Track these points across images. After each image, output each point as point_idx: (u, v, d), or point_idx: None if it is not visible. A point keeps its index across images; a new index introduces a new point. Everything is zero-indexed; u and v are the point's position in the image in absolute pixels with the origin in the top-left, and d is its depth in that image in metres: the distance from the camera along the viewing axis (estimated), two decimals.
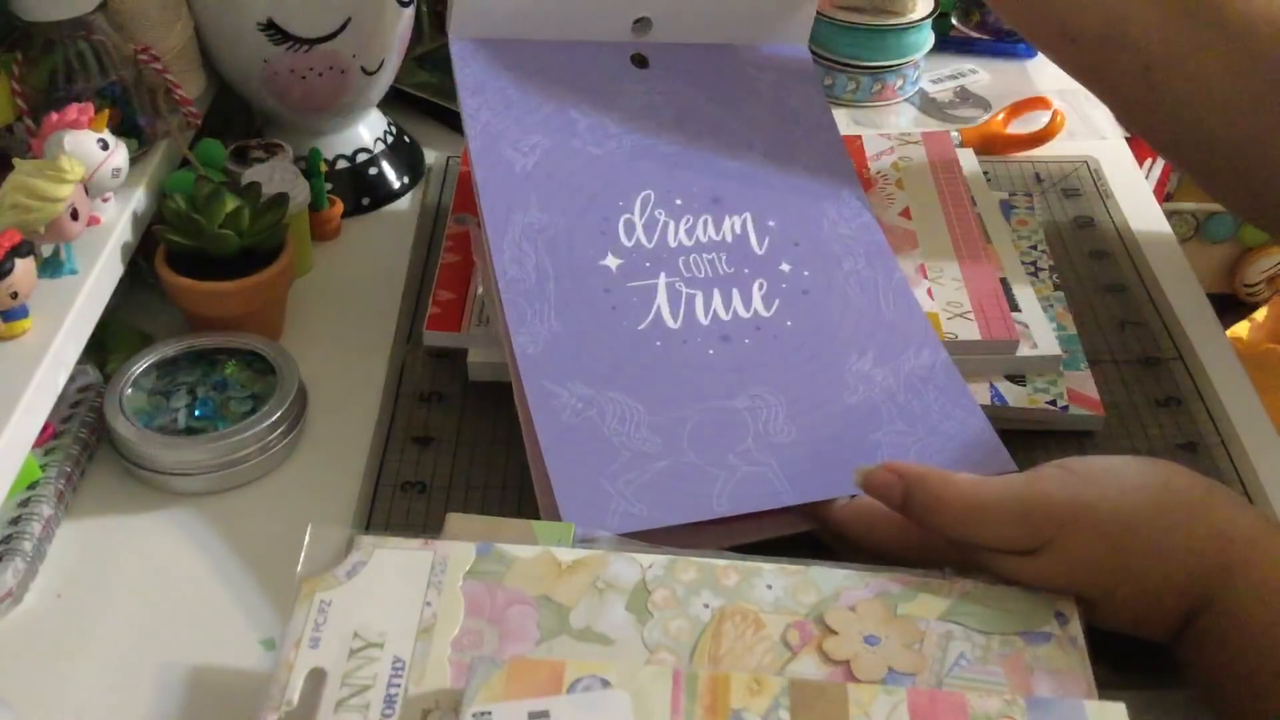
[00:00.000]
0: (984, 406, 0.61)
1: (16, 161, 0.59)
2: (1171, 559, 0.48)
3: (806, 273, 0.64)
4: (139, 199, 0.67)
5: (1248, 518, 0.49)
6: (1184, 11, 0.61)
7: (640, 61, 0.71)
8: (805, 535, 0.56)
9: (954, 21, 1.02)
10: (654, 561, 0.49)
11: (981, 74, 0.97)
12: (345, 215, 0.79)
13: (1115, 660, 0.49)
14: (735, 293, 0.63)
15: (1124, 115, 0.70)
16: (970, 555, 0.50)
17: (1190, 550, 0.48)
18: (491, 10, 0.67)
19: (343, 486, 0.61)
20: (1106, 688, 0.45)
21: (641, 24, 0.71)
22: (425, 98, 0.92)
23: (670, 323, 0.61)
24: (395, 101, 0.88)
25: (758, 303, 0.63)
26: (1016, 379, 0.64)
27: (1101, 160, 0.86)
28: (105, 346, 0.66)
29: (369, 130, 0.82)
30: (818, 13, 0.91)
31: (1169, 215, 0.83)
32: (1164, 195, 1.51)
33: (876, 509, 0.53)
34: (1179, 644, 0.49)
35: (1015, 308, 0.66)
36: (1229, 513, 0.49)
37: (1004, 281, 0.67)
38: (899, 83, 0.93)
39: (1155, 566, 0.48)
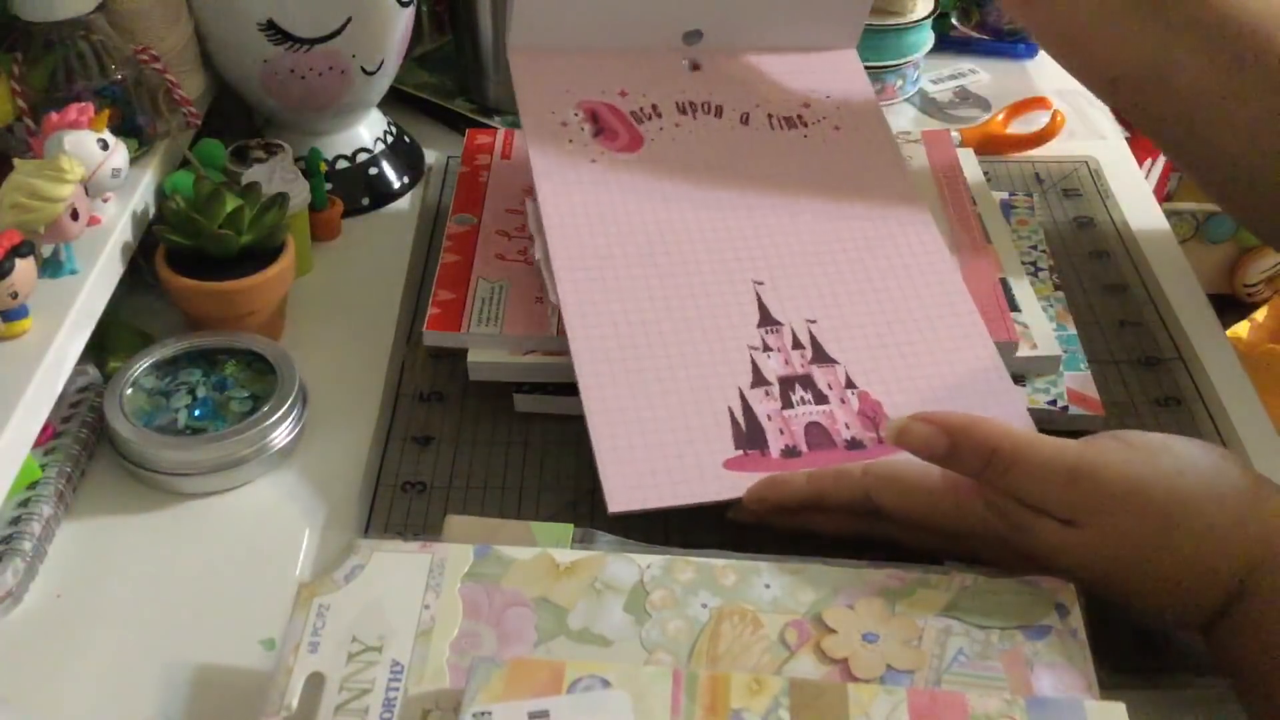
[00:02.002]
0: None
1: (16, 161, 0.59)
2: (1218, 545, 0.47)
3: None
4: (139, 199, 0.67)
5: None
6: (1231, 63, 0.61)
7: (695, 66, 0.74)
8: (805, 534, 0.56)
9: (954, 21, 1.02)
10: (652, 562, 0.49)
11: (981, 74, 0.97)
12: (345, 215, 0.79)
13: (1115, 660, 0.49)
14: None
15: (1168, 154, 0.71)
16: (1012, 523, 0.49)
17: (1236, 538, 0.47)
18: (547, 23, 0.70)
19: (343, 486, 0.61)
20: (1106, 688, 0.45)
21: (692, 34, 0.73)
22: (425, 98, 0.92)
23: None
24: (395, 101, 0.88)
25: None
26: (1016, 379, 0.64)
27: (1101, 160, 0.86)
28: (105, 346, 0.66)
29: (369, 130, 0.82)
30: None
31: (1169, 215, 0.83)
32: (1164, 195, 1.51)
33: (907, 475, 0.52)
34: (1213, 631, 0.49)
35: (1015, 308, 0.66)
36: (1276, 504, 0.49)
37: (1004, 281, 0.67)
38: (899, 83, 0.93)
39: (1200, 551, 0.47)
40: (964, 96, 0.95)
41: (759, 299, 0.63)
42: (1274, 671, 0.47)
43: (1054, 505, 0.48)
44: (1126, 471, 0.48)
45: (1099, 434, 0.50)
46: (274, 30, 0.71)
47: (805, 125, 0.73)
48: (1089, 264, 0.76)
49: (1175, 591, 0.48)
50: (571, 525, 0.53)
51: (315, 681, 0.45)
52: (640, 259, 0.64)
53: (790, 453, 0.57)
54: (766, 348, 0.61)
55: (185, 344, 0.65)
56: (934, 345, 0.62)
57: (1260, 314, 1.29)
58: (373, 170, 0.82)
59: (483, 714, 0.42)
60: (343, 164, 0.81)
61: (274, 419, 0.61)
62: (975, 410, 0.56)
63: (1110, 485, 0.47)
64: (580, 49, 0.72)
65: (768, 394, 0.59)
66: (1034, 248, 0.73)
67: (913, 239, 0.67)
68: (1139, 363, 0.68)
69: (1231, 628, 0.48)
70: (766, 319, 0.62)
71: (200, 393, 0.63)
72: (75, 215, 0.59)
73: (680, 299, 0.62)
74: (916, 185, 0.74)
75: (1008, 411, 0.60)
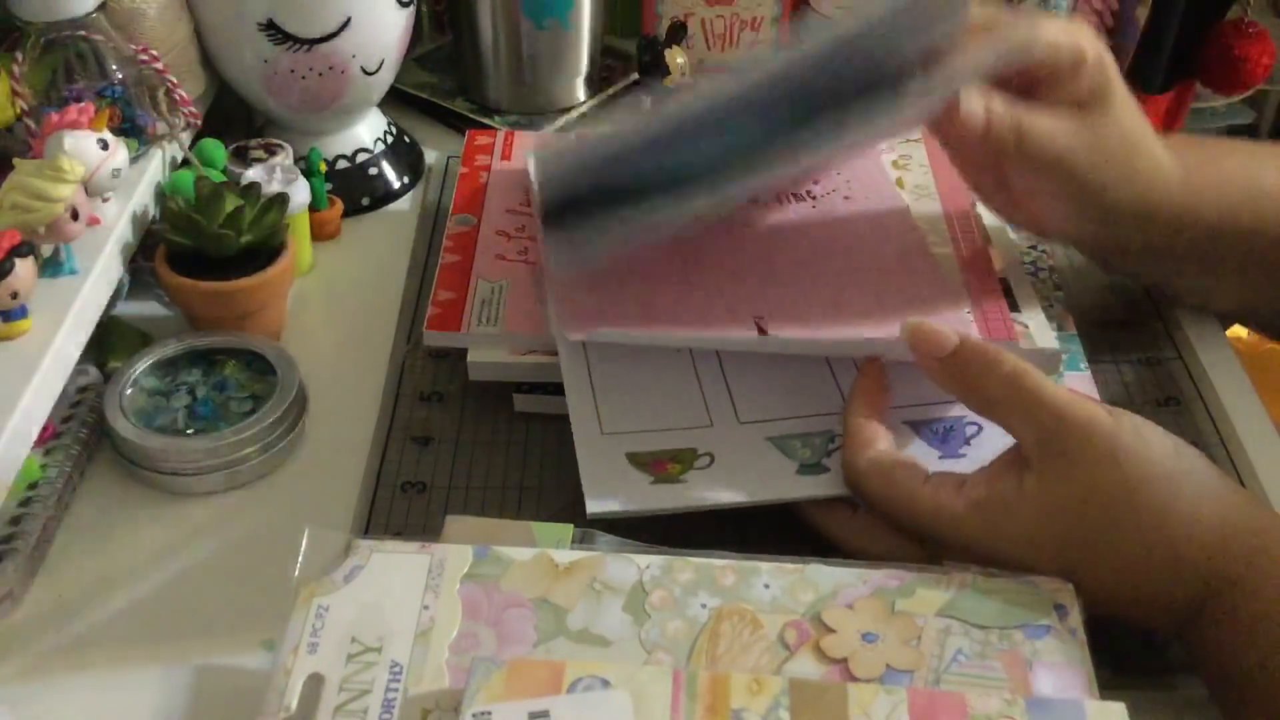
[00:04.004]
0: None
1: (16, 161, 0.59)
2: (1181, 529, 0.48)
3: None
4: (139, 199, 0.67)
5: (1265, 510, 0.50)
6: None
7: None
8: (804, 535, 0.56)
9: None
10: (651, 562, 0.49)
11: None
12: (345, 215, 0.79)
13: (1115, 660, 0.49)
14: None
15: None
16: (973, 480, 0.51)
17: (1207, 527, 0.48)
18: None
19: (343, 487, 0.61)
20: (1106, 688, 0.45)
21: None
22: (425, 98, 0.92)
23: None
24: (395, 101, 0.88)
25: None
26: None
27: None
28: (105, 346, 0.66)
29: (369, 130, 0.82)
30: (817, 13, 0.91)
31: None
32: None
33: (896, 465, 0.53)
34: (1189, 631, 0.49)
35: (1015, 308, 0.66)
36: (1241, 500, 0.49)
37: (1004, 281, 0.67)
38: None
39: (1162, 529, 0.48)
40: None
41: (758, 327, 0.62)
42: (1250, 670, 0.47)
43: (1030, 420, 0.50)
44: (1110, 423, 0.49)
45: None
46: (274, 30, 0.71)
47: (813, 198, 0.72)
48: (1089, 264, 0.75)
49: (1148, 577, 0.48)
50: (571, 525, 0.53)
51: (314, 682, 0.45)
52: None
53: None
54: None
55: (185, 344, 0.65)
56: None
57: None
58: (373, 170, 0.82)
59: (483, 714, 0.42)
60: (343, 164, 0.81)
61: (274, 419, 0.61)
62: None
63: (1087, 419, 0.49)
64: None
65: None
66: (1034, 248, 0.73)
67: (922, 286, 0.66)
68: (1139, 363, 0.68)
69: (1207, 625, 0.48)
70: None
71: (200, 393, 0.63)
72: (75, 215, 0.59)
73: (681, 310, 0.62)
74: (916, 183, 0.74)
75: None
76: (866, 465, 0.54)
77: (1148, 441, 0.49)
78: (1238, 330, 1.23)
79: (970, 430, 0.59)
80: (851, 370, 0.61)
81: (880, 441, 0.55)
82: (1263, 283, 0.65)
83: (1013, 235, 0.73)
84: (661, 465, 0.57)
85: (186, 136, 0.72)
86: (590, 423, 0.58)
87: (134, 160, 0.67)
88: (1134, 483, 0.48)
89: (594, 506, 0.55)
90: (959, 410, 0.59)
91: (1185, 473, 0.49)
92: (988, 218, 0.72)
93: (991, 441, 0.57)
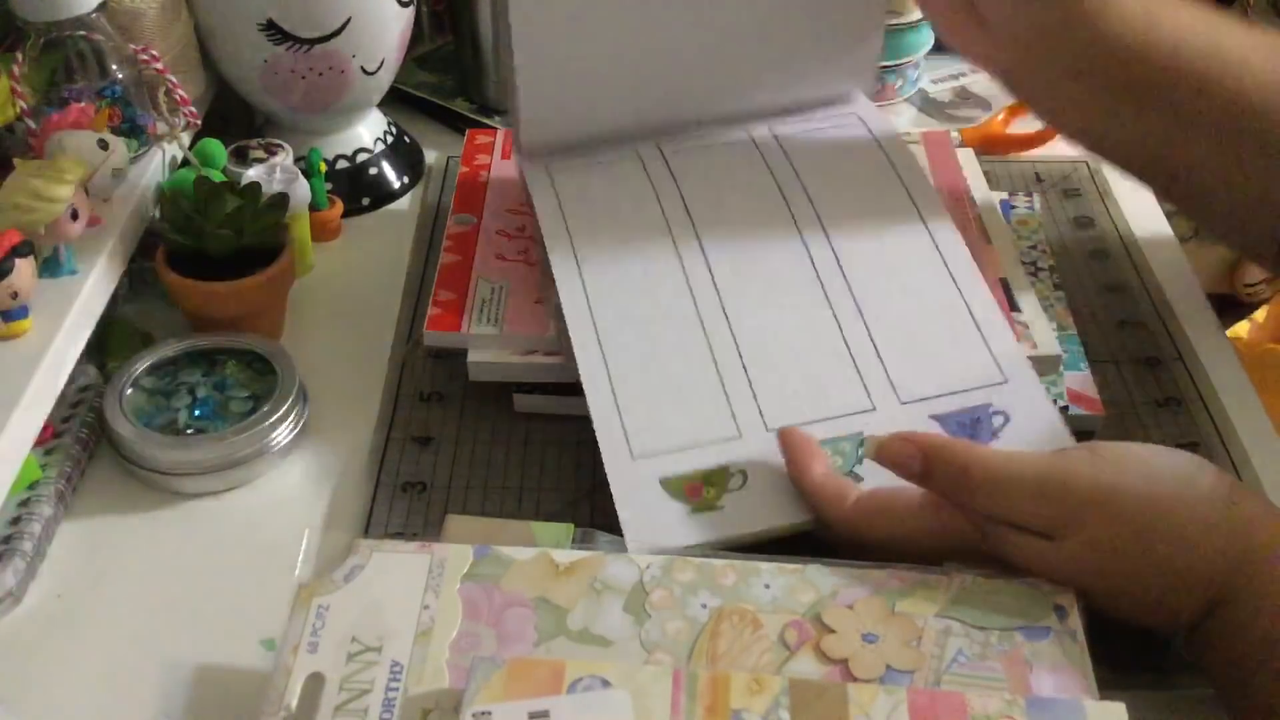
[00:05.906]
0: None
1: (17, 161, 0.59)
2: (1195, 548, 0.47)
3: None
4: (139, 199, 0.67)
5: (1272, 512, 0.49)
6: (1234, 150, 0.60)
7: None
8: (805, 535, 0.56)
9: None
10: (651, 562, 0.49)
11: (981, 73, 0.97)
12: (345, 215, 0.79)
13: (1115, 660, 0.49)
14: None
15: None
16: (993, 541, 0.50)
17: (1214, 541, 0.47)
18: (556, 119, 0.68)
19: (343, 486, 0.61)
20: (1106, 688, 0.45)
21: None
22: (425, 98, 0.92)
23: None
24: (395, 101, 0.88)
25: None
26: None
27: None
28: (105, 346, 0.66)
29: (369, 130, 0.82)
30: None
31: (1169, 215, 0.83)
32: None
33: (894, 501, 0.52)
34: (1196, 636, 0.49)
35: (1015, 308, 0.66)
36: (1252, 506, 0.49)
37: (1004, 281, 0.67)
38: (899, 83, 0.93)
39: (1178, 555, 0.47)
40: (964, 96, 0.95)
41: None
42: (1256, 674, 0.47)
43: (1027, 519, 0.49)
44: (1097, 480, 0.48)
45: (1069, 447, 0.51)
46: (274, 30, 0.72)
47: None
48: (1089, 264, 0.76)
49: (1155, 598, 0.48)
50: (571, 525, 0.53)
51: (315, 682, 0.45)
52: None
53: None
54: None
55: (185, 344, 0.65)
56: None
57: (1260, 314, 1.29)
58: (373, 170, 0.82)
59: (483, 714, 0.42)
60: (343, 164, 0.81)
61: (274, 419, 0.61)
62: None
63: (1079, 494, 0.48)
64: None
65: None
66: (1034, 248, 0.73)
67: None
68: (1139, 363, 0.68)
69: (1213, 630, 0.48)
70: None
71: (200, 393, 0.63)
72: (75, 215, 0.59)
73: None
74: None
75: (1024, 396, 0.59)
76: (854, 513, 0.52)
77: (1125, 471, 0.49)
78: (1238, 330, 1.23)
79: (997, 421, 0.58)
80: (874, 358, 0.60)
81: (850, 490, 0.53)
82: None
83: (1012, 234, 0.73)
84: (697, 490, 0.55)
85: (186, 136, 0.72)
86: (619, 446, 0.57)
87: (134, 160, 0.67)
88: (1128, 516, 0.48)
89: (635, 547, 0.53)
90: (982, 398, 0.58)
91: (1184, 481, 0.49)
92: (988, 219, 0.72)
93: (1020, 431, 0.57)
